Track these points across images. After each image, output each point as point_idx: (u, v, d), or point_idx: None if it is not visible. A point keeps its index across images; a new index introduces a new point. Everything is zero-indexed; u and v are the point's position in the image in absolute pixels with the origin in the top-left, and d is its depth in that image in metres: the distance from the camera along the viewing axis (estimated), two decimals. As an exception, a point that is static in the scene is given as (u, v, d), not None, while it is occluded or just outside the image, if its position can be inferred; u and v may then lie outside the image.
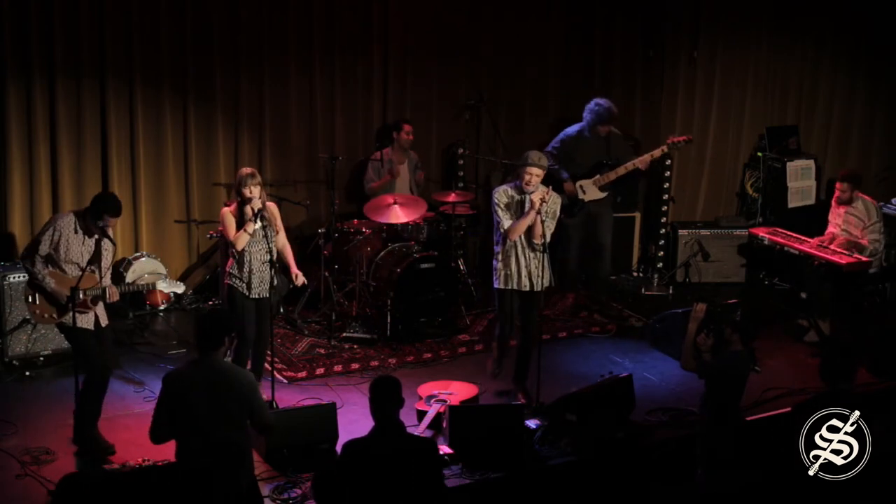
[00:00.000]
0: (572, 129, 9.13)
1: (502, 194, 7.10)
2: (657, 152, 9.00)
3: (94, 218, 6.44)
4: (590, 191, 9.04)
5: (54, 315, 6.56)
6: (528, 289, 7.14)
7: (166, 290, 7.34)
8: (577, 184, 9.00)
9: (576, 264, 9.38)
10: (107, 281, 6.59)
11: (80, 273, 6.45)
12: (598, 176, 9.01)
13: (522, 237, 7.06)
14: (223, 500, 5.25)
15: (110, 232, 6.60)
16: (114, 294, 6.58)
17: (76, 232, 6.47)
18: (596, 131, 8.98)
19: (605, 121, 8.92)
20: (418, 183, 9.55)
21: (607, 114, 8.91)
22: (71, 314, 6.42)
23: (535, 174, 6.99)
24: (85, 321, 6.56)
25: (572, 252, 9.27)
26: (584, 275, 9.56)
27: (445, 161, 10.20)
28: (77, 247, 6.48)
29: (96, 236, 6.51)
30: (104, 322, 6.69)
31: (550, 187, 7.13)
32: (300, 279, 7.28)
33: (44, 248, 6.45)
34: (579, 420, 6.84)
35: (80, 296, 6.45)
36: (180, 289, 7.21)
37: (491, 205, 7.18)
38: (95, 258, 6.52)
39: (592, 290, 9.43)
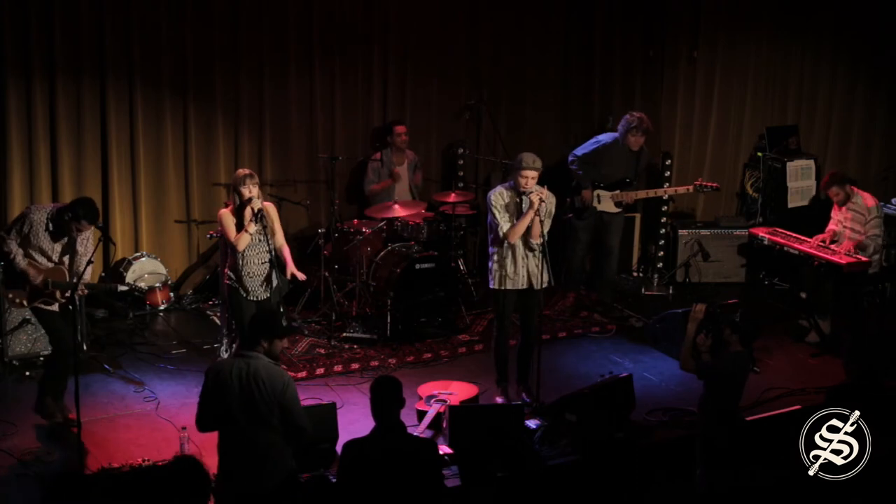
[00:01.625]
0: (608, 137, 9.18)
1: (499, 196, 7.05)
2: (682, 189, 9.16)
3: (72, 220, 6.53)
4: (605, 202, 9.09)
5: (24, 302, 6.68)
6: (525, 287, 7.12)
7: (126, 287, 7.31)
8: (595, 192, 9.03)
9: (580, 264, 9.40)
10: (87, 276, 6.63)
11: (51, 266, 6.61)
12: (617, 191, 9.05)
13: (520, 238, 7.04)
14: (235, 499, 5.26)
15: (83, 234, 6.68)
16: (82, 290, 6.67)
17: (46, 229, 6.58)
18: (627, 142, 9.01)
19: (633, 128, 8.95)
20: (417, 184, 9.55)
21: (637, 122, 8.96)
22: (39, 301, 6.65)
23: (531, 177, 6.97)
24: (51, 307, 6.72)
25: (578, 252, 9.29)
26: (585, 274, 9.56)
27: (445, 161, 10.20)
28: (47, 243, 6.60)
29: (65, 239, 6.61)
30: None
31: (546, 186, 7.10)
32: (300, 275, 7.27)
33: (14, 235, 6.61)
34: (579, 420, 6.84)
35: (50, 287, 6.61)
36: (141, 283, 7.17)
37: (487, 207, 7.15)
38: (67, 250, 6.63)
39: (598, 291, 9.44)
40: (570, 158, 9.18)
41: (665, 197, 9.33)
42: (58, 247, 6.60)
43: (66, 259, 6.66)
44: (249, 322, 5.60)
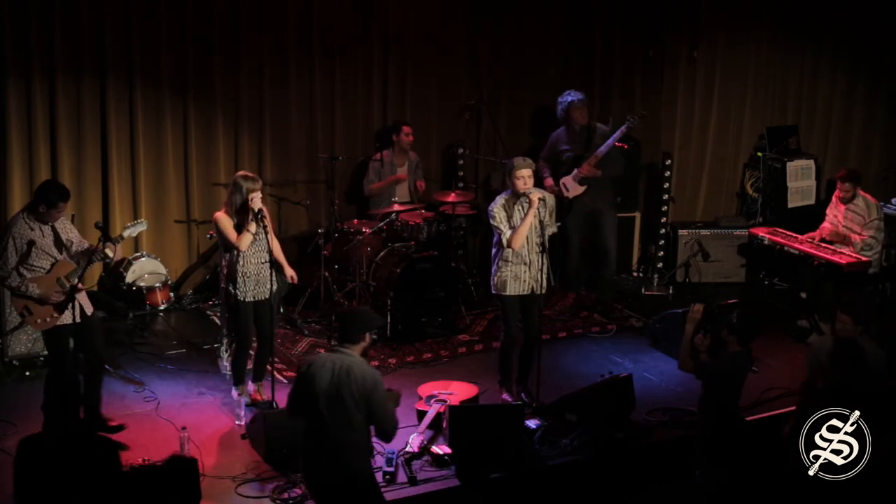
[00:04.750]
0: (557, 130, 9.26)
1: (500, 209, 7.05)
2: (617, 134, 9.01)
3: (50, 208, 6.49)
4: (572, 187, 9.10)
5: (54, 315, 6.56)
6: (529, 292, 7.13)
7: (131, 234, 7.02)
8: (561, 181, 9.07)
9: (577, 264, 9.40)
10: (85, 245, 6.64)
11: (54, 263, 6.53)
12: (575, 170, 9.06)
13: (525, 242, 7.03)
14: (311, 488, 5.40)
15: (60, 221, 6.63)
16: (114, 251, 6.61)
17: (32, 229, 6.52)
18: (570, 123, 9.08)
19: (570, 107, 9.02)
20: (419, 190, 9.51)
21: (573, 97, 9.05)
22: (70, 311, 6.44)
23: (526, 176, 6.99)
24: (67, 316, 6.53)
25: (573, 252, 9.29)
26: (584, 275, 9.56)
27: (445, 161, 10.20)
28: (41, 240, 6.53)
29: (51, 223, 6.56)
30: (89, 310, 6.72)
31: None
32: (294, 278, 7.30)
33: (12, 261, 6.47)
34: (579, 420, 6.85)
35: (66, 284, 6.51)
36: (143, 226, 7.06)
37: (489, 219, 7.14)
38: (59, 243, 6.59)
39: (597, 291, 9.44)
40: (539, 164, 9.18)
41: (605, 150, 9.09)
42: (49, 241, 6.57)
43: (64, 254, 6.64)
44: (347, 317, 5.68)
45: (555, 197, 8.88)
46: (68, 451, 4.94)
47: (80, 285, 6.56)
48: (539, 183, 8.88)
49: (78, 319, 6.46)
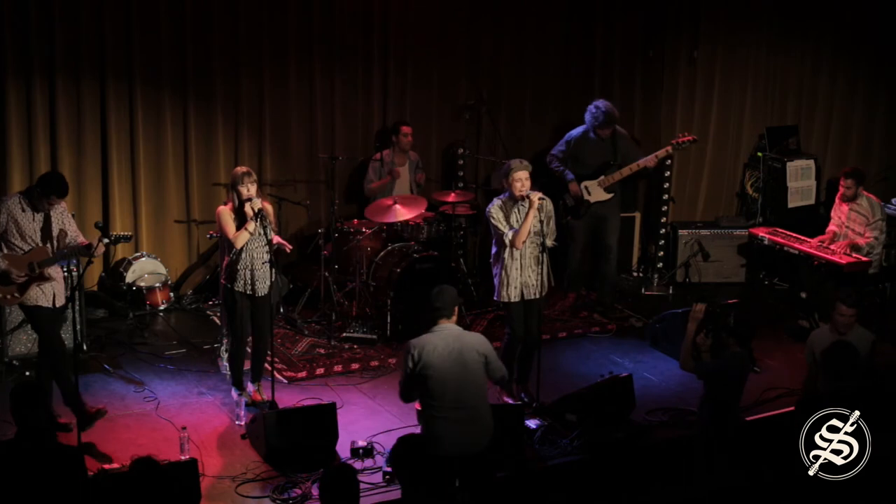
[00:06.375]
0: (576, 131, 9.14)
1: (497, 209, 7.07)
2: (661, 153, 9.05)
3: (41, 197, 6.60)
4: (595, 192, 9.05)
5: (16, 294, 6.68)
6: (530, 297, 7.14)
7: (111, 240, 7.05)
8: (583, 185, 9.02)
9: (579, 264, 9.38)
10: (79, 239, 6.75)
11: (32, 248, 6.62)
12: (602, 177, 9.02)
13: (525, 246, 7.04)
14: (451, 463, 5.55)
15: (57, 210, 6.73)
16: (99, 249, 6.71)
17: (23, 210, 6.63)
18: (598, 133, 8.99)
19: (602, 124, 8.91)
20: (419, 183, 9.54)
21: (604, 117, 8.89)
22: (30, 291, 6.63)
23: (524, 178, 6.99)
24: (43, 299, 6.70)
25: (576, 253, 9.28)
26: (585, 275, 9.55)
27: (445, 161, 10.20)
28: (28, 224, 6.63)
29: (43, 212, 6.66)
30: (60, 302, 6.81)
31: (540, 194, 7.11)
32: (286, 245, 7.17)
33: None
34: (579, 420, 6.85)
35: (37, 269, 6.62)
36: (126, 240, 7.14)
37: (487, 222, 7.16)
38: (47, 232, 6.66)
39: (598, 291, 9.43)
40: (548, 159, 9.16)
41: (652, 165, 9.14)
42: (37, 226, 6.65)
43: (48, 246, 6.68)
44: (440, 296, 5.82)
45: (570, 199, 8.99)
46: (30, 457, 4.97)
47: (48, 273, 6.67)
48: (556, 184, 8.91)
49: (49, 305, 6.64)
